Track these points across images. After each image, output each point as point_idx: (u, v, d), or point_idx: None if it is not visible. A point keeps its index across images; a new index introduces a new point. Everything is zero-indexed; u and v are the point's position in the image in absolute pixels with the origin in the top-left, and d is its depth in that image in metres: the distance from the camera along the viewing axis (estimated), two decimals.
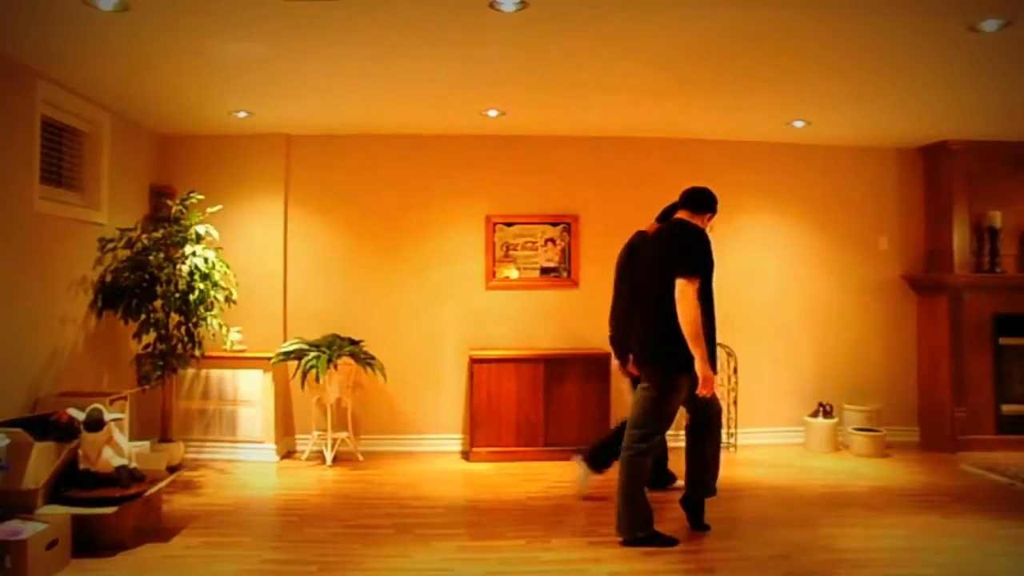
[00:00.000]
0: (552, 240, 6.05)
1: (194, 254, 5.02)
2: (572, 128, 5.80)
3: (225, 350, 5.53)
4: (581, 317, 5.92)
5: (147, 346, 5.07)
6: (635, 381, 4.27)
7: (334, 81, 4.53)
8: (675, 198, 4.60)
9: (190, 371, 5.45)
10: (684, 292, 3.55)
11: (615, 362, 4.69)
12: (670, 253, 3.69)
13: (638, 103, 5.04)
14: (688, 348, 3.55)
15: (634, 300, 3.99)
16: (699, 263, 3.64)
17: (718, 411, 3.95)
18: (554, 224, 6.02)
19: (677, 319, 3.56)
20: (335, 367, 5.32)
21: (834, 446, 5.84)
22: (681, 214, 3.90)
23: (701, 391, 3.59)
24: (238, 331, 5.56)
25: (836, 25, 3.57)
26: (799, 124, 5.52)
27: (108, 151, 5.04)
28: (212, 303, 5.09)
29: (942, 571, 3.42)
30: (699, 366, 3.55)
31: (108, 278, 4.96)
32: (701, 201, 3.90)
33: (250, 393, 5.55)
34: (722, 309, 6.13)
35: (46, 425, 3.75)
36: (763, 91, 4.72)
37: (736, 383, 5.90)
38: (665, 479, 4.71)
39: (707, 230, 3.87)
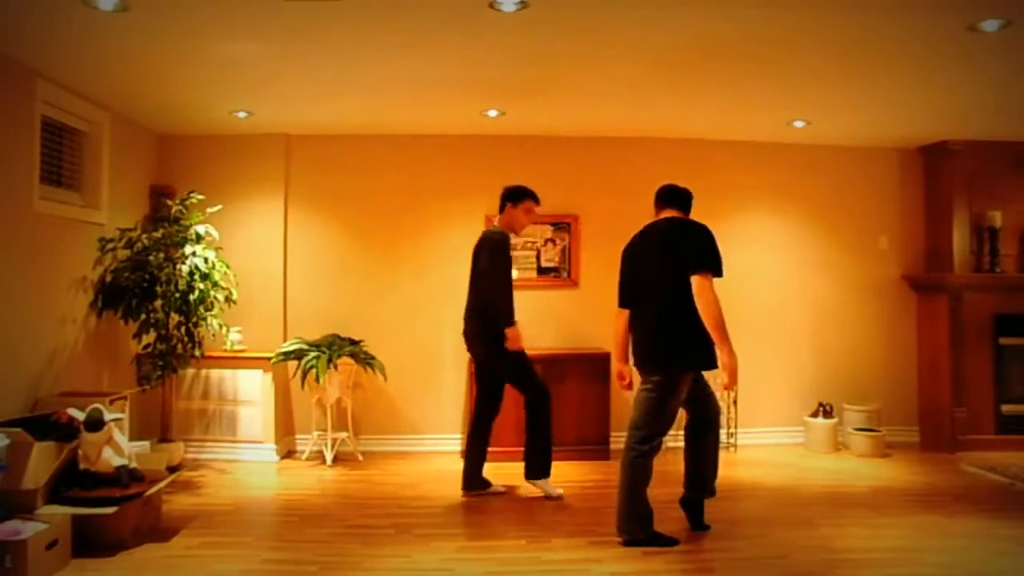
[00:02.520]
0: (552, 240, 6.05)
1: (194, 254, 5.02)
2: (572, 128, 5.80)
3: (225, 350, 5.53)
4: (581, 317, 5.92)
5: (147, 346, 5.07)
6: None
7: (334, 81, 4.53)
8: (515, 186, 4.68)
9: (190, 371, 5.45)
10: (704, 287, 3.54)
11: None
12: (681, 250, 3.63)
13: (638, 103, 5.04)
14: (690, 347, 3.60)
15: (632, 301, 3.89)
16: (714, 257, 3.64)
17: (717, 411, 3.97)
18: (554, 224, 6.02)
19: (684, 318, 3.57)
20: (335, 367, 5.32)
21: (834, 446, 5.84)
22: (671, 213, 3.87)
23: (729, 383, 3.63)
24: (238, 331, 5.56)
25: (836, 25, 3.57)
26: (799, 124, 5.52)
27: (108, 151, 5.04)
28: (212, 303, 5.10)
29: (942, 571, 3.42)
30: (727, 358, 3.57)
31: (108, 278, 4.96)
32: (687, 199, 3.93)
33: (250, 393, 5.55)
34: (722, 309, 6.16)
35: (46, 425, 3.75)
36: (763, 91, 4.72)
37: (736, 383, 5.89)
38: (481, 483, 4.68)
39: None
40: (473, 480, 4.63)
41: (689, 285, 3.57)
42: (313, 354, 5.25)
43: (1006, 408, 5.91)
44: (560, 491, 4.60)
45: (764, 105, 5.06)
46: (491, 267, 4.51)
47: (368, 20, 3.54)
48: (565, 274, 6.04)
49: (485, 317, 4.52)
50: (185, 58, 4.07)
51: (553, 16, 3.47)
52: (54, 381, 4.42)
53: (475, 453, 4.65)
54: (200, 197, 5.26)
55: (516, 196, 4.66)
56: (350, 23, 3.57)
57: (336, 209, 5.95)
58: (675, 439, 5.64)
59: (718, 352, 3.59)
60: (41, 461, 3.54)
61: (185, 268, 4.96)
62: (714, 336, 3.56)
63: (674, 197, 3.90)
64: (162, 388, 5.21)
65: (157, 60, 4.11)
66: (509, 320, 4.46)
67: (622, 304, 3.92)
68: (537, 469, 4.56)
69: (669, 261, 3.65)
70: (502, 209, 4.70)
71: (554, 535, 3.90)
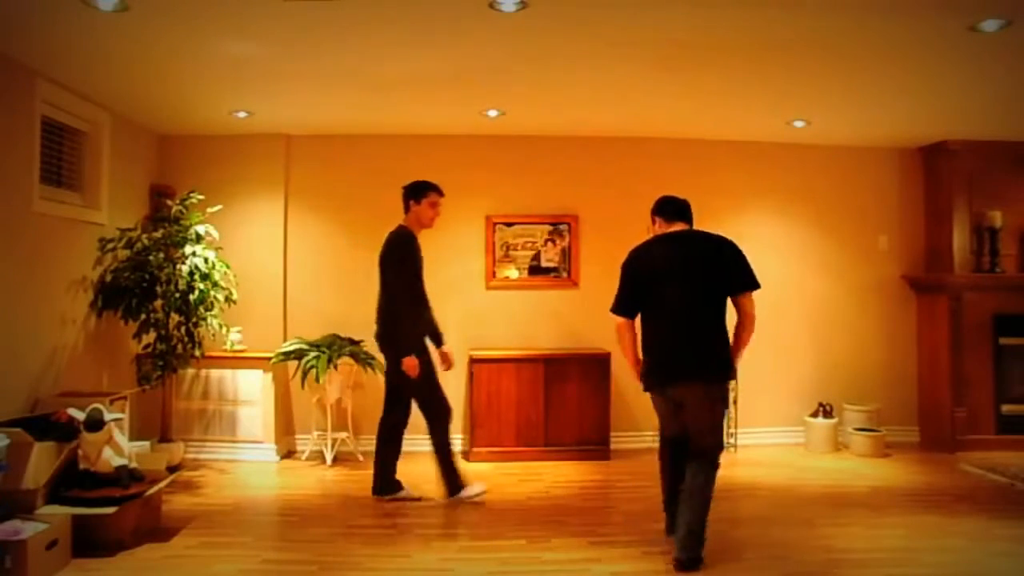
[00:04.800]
0: (552, 240, 6.05)
1: (194, 254, 5.02)
2: (572, 128, 5.80)
3: (225, 350, 5.54)
4: (581, 317, 5.92)
5: (147, 346, 5.07)
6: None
7: (334, 81, 4.53)
8: (414, 182, 4.62)
9: (190, 371, 5.45)
10: (754, 305, 3.54)
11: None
12: (729, 268, 3.54)
13: (638, 103, 5.04)
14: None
15: (651, 311, 3.62)
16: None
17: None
18: (554, 224, 6.02)
19: (724, 331, 3.54)
20: (335, 367, 5.32)
21: (834, 446, 5.84)
22: (681, 226, 3.71)
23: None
24: (238, 331, 5.56)
25: (836, 25, 3.57)
26: (799, 124, 5.52)
27: (108, 151, 5.04)
28: (212, 303, 5.09)
29: (942, 571, 3.42)
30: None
31: (108, 278, 4.96)
32: (691, 212, 3.79)
33: (250, 393, 5.55)
34: None
35: (46, 425, 3.75)
36: (763, 91, 4.71)
37: (736, 383, 5.89)
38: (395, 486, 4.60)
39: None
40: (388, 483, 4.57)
41: (721, 301, 3.53)
42: (313, 354, 5.25)
43: (1006, 408, 5.90)
44: (479, 488, 4.53)
45: (764, 105, 5.06)
46: (389, 275, 4.47)
47: (368, 20, 3.54)
48: (565, 274, 6.04)
49: (386, 327, 4.47)
50: (185, 58, 4.07)
51: (553, 16, 3.47)
52: (54, 381, 4.42)
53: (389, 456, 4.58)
54: (200, 197, 5.26)
55: (418, 192, 4.57)
56: (350, 23, 3.57)
57: (336, 209, 5.95)
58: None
59: (737, 363, 3.63)
60: (41, 461, 3.54)
61: (185, 268, 4.96)
62: (743, 349, 3.58)
63: (684, 210, 3.76)
64: (162, 388, 5.21)
65: (157, 60, 4.10)
66: (407, 350, 4.37)
67: (628, 313, 3.66)
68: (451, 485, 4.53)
69: (712, 275, 3.53)
70: (406, 207, 4.62)
71: (554, 535, 3.90)
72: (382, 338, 4.52)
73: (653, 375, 3.61)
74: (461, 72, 4.36)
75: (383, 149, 5.95)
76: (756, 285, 3.55)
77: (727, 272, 3.54)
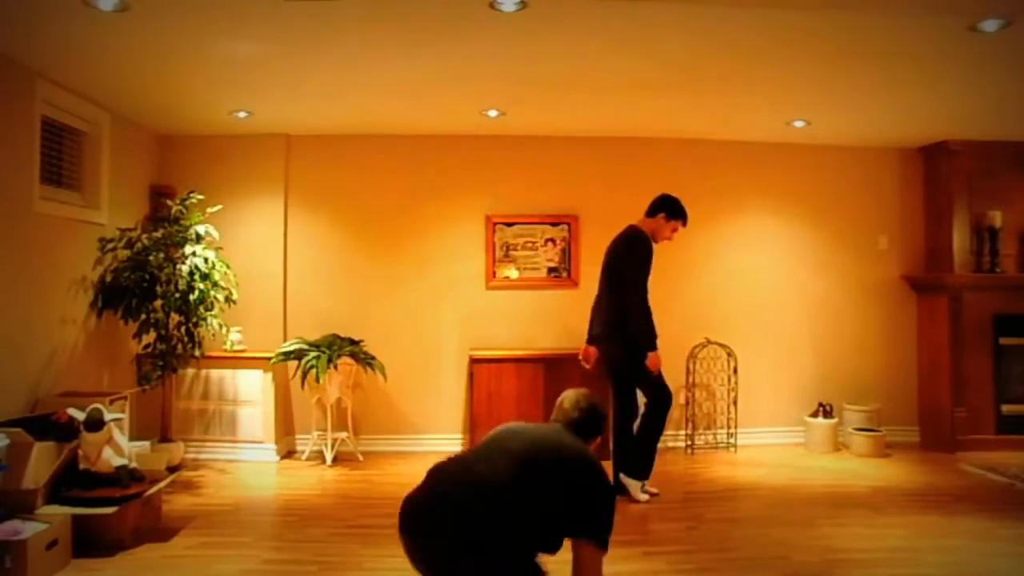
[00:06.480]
0: (552, 240, 6.05)
1: (194, 254, 5.02)
2: (572, 128, 5.80)
3: (225, 350, 5.54)
4: (581, 317, 5.88)
5: (147, 346, 5.08)
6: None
7: (334, 81, 4.53)
8: (675, 198, 4.60)
9: (190, 371, 5.46)
10: (600, 564, 2.39)
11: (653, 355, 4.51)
12: (585, 501, 2.34)
13: (638, 103, 5.04)
14: None
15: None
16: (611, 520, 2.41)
17: None
18: (554, 224, 6.02)
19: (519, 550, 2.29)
20: (335, 367, 5.32)
21: (834, 446, 5.84)
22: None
23: None
24: (238, 331, 5.56)
25: (836, 25, 3.57)
26: (799, 124, 5.52)
27: (108, 151, 5.05)
28: (212, 303, 5.10)
29: (942, 571, 3.42)
30: None
31: (108, 278, 4.96)
32: (600, 427, 2.74)
33: (250, 393, 5.55)
34: (722, 309, 6.17)
35: (46, 425, 3.76)
36: (763, 91, 4.72)
37: (736, 383, 5.90)
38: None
39: None
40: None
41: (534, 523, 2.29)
42: (313, 354, 5.25)
43: (1006, 408, 5.90)
44: (645, 496, 4.57)
45: (764, 105, 5.06)
46: (629, 272, 4.54)
47: (368, 20, 3.54)
48: (565, 274, 6.04)
49: (619, 322, 4.56)
50: (185, 58, 4.07)
51: (553, 16, 3.47)
52: (54, 381, 4.42)
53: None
54: (200, 197, 5.26)
55: (674, 212, 4.62)
56: (350, 23, 3.57)
57: (336, 209, 5.95)
58: (674, 439, 5.68)
59: None
60: (41, 461, 3.55)
61: (185, 268, 4.96)
62: None
63: (595, 423, 2.70)
64: (162, 388, 5.21)
65: (157, 60, 4.11)
66: (650, 345, 4.46)
67: None
68: (633, 468, 4.58)
69: (545, 489, 2.31)
70: (653, 214, 4.65)
71: None
72: (612, 333, 4.59)
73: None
74: (461, 72, 4.36)
75: (383, 149, 5.96)
76: (604, 543, 2.37)
77: (575, 499, 2.33)
